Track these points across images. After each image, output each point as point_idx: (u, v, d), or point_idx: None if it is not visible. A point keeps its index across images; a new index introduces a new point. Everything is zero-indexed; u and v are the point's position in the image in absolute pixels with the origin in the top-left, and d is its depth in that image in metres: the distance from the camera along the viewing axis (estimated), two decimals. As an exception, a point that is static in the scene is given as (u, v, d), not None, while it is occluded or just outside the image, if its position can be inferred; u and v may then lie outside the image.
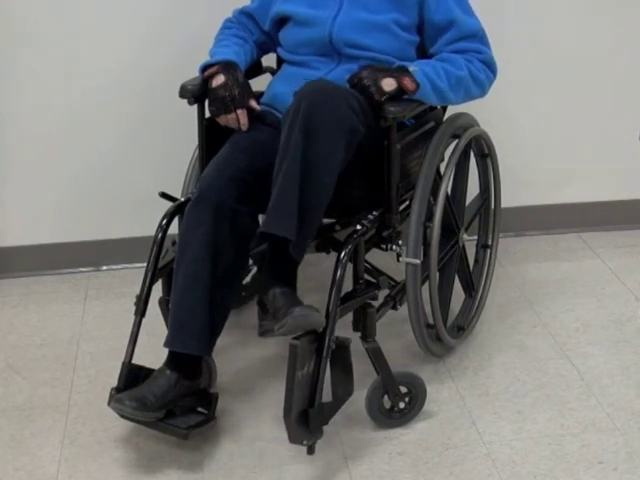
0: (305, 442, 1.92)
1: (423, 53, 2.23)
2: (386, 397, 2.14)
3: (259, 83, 2.39)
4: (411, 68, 2.07)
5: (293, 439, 1.92)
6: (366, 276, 2.12)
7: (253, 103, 2.21)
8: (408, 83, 2.05)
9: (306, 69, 2.23)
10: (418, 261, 2.15)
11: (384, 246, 2.19)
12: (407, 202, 2.25)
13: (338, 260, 1.99)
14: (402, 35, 2.19)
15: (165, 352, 2.06)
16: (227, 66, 2.19)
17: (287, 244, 1.93)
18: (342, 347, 1.98)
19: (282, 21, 2.29)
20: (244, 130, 2.19)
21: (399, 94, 2.06)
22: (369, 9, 2.18)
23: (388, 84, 2.05)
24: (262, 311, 2.01)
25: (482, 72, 2.19)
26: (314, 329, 1.94)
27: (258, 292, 2.04)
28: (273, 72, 2.46)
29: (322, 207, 1.99)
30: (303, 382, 1.90)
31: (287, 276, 2.00)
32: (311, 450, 1.94)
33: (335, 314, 1.96)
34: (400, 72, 2.07)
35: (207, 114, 2.24)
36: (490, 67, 2.21)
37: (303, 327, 1.91)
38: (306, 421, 1.91)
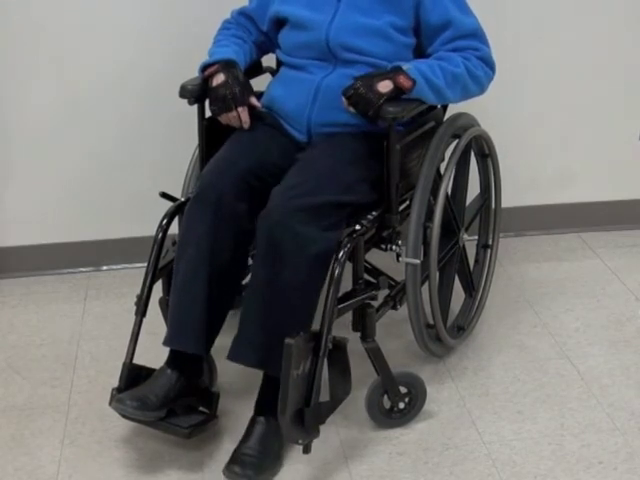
0: (300, 441, 1.92)
1: (420, 55, 2.23)
2: (386, 397, 2.14)
3: (259, 83, 2.39)
4: (405, 66, 2.07)
5: (288, 438, 1.93)
6: (366, 276, 2.12)
7: (254, 100, 2.21)
8: (403, 81, 2.05)
9: (303, 73, 2.23)
10: (418, 261, 2.15)
11: (384, 246, 2.19)
12: (407, 202, 2.25)
13: (336, 259, 1.99)
14: (398, 38, 2.19)
15: (166, 352, 2.07)
16: (227, 65, 2.19)
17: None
18: (339, 347, 1.98)
19: (280, 22, 2.29)
20: (246, 128, 2.19)
21: (397, 94, 2.06)
22: (365, 12, 2.18)
23: (384, 86, 2.04)
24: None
25: (480, 69, 2.18)
26: (312, 330, 1.95)
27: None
28: (273, 72, 2.46)
29: (297, 330, 1.94)
30: (299, 381, 1.90)
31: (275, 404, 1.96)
32: (307, 449, 1.94)
33: (332, 313, 1.96)
34: (394, 72, 2.06)
35: (207, 114, 2.24)
36: (488, 64, 2.20)
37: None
38: (302, 420, 1.91)
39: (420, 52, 2.23)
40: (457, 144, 2.31)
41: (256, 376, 2.34)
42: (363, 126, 2.13)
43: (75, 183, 2.88)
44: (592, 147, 3.07)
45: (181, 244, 2.07)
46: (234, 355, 2.00)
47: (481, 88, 2.22)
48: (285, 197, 2.00)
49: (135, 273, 2.74)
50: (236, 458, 1.96)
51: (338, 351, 1.98)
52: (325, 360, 1.95)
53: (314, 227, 1.97)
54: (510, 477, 2.01)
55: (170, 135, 2.80)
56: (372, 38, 2.17)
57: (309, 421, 1.92)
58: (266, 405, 2.00)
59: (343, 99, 2.06)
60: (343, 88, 2.07)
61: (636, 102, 3.04)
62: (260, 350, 1.97)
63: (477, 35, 2.20)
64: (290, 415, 1.89)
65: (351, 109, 2.06)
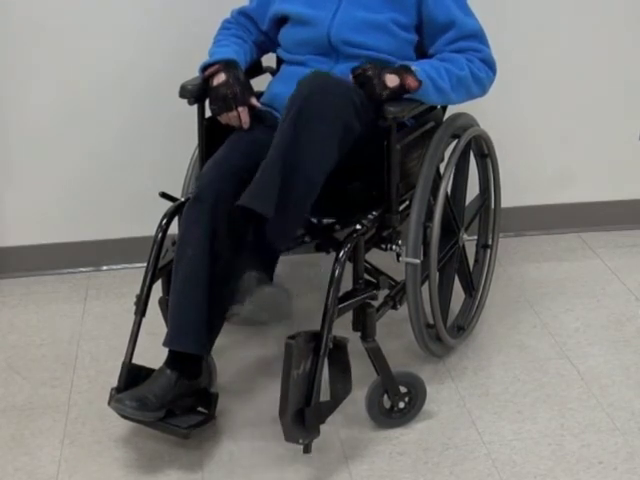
0: (301, 441, 1.92)
1: (421, 52, 2.23)
2: (386, 397, 2.14)
3: (259, 83, 2.39)
4: (413, 67, 2.08)
5: (289, 438, 1.92)
6: (366, 276, 2.12)
7: (254, 101, 2.21)
8: (411, 81, 2.05)
9: (305, 68, 2.22)
10: (418, 261, 2.15)
11: (384, 246, 2.19)
12: (407, 202, 2.25)
13: (337, 259, 1.99)
14: (401, 34, 2.19)
15: (165, 352, 2.07)
16: (227, 65, 2.19)
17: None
18: (340, 346, 1.98)
19: (281, 21, 2.29)
20: (245, 128, 2.19)
21: (401, 92, 2.06)
22: (368, 8, 2.18)
23: (391, 80, 2.05)
24: (231, 299, 1.96)
25: (482, 71, 2.19)
26: (312, 330, 1.95)
27: (234, 277, 1.98)
28: (273, 72, 2.46)
29: (306, 198, 1.97)
30: (299, 381, 1.90)
31: (266, 264, 1.97)
32: (307, 449, 1.94)
33: (333, 313, 1.96)
34: (403, 70, 2.07)
35: (207, 114, 2.24)
36: (490, 66, 2.22)
37: (269, 308, 1.91)
38: (302, 420, 1.91)
39: (421, 50, 2.24)
40: (457, 144, 2.31)
41: (256, 376, 2.35)
42: None
43: (75, 183, 2.88)
44: (592, 147, 3.07)
45: (180, 244, 2.07)
46: (248, 200, 1.91)
47: (483, 90, 2.23)
48: (320, 75, 2.02)
49: (135, 273, 2.73)
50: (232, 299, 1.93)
51: (338, 351, 1.98)
52: (325, 359, 1.95)
53: (348, 103, 1.98)
54: (510, 477, 2.01)
55: (170, 135, 2.80)
56: (374, 33, 2.18)
57: (310, 421, 1.92)
58: (261, 259, 1.97)
59: (350, 77, 2.06)
60: (352, 67, 2.07)
61: (636, 102, 3.04)
62: (272, 201, 1.90)
63: (479, 36, 2.21)
64: (291, 415, 1.89)
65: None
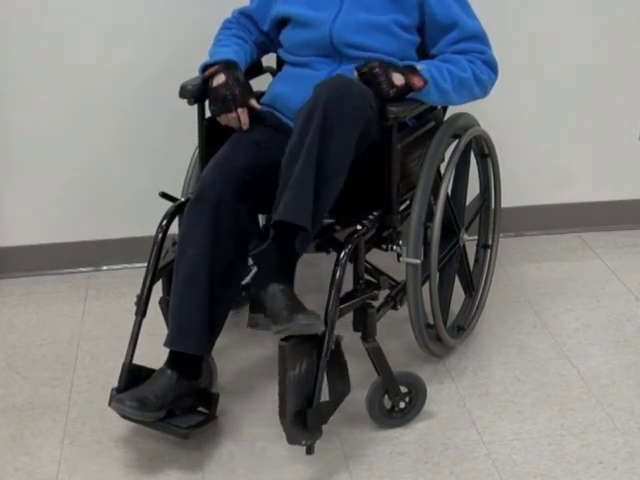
0: (304, 442, 1.92)
1: (423, 54, 2.23)
2: (386, 397, 2.14)
3: (259, 83, 2.39)
4: (419, 67, 2.08)
5: (291, 440, 1.92)
6: (366, 276, 2.12)
7: (253, 102, 2.21)
8: (416, 81, 2.05)
9: (307, 70, 2.23)
10: (418, 261, 2.15)
11: (384, 246, 2.19)
12: (407, 202, 2.25)
13: (338, 260, 1.99)
14: (403, 36, 2.19)
15: (165, 352, 2.07)
16: (227, 65, 2.19)
17: (292, 238, 1.93)
18: (335, 346, 1.98)
19: (282, 22, 2.29)
20: (245, 129, 2.19)
21: (406, 91, 2.06)
22: (369, 10, 2.18)
23: (398, 78, 2.05)
24: (253, 307, 1.98)
25: (484, 73, 2.19)
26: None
27: (255, 287, 2.00)
28: (273, 72, 2.46)
29: (330, 203, 1.99)
30: (296, 382, 1.90)
31: (288, 272, 1.99)
32: (310, 450, 1.94)
33: (335, 314, 1.96)
34: (408, 70, 2.07)
35: (207, 114, 2.24)
36: (492, 67, 2.22)
37: (304, 333, 1.91)
38: (303, 421, 1.91)
39: (423, 52, 2.24)
40: (457, 144, 2.31)
41: (256, 376, 2.35)
42: None
43: (75, 183, 2.88)
44: (592, 147, 3.07)
45: (181, 245, 2.07)
46: (289, 215, 1.90)
47: (484, 91, 2.23)
48: (339, 79, 2.03)
49: (135, 273, 2.74)
50: (277, 314, 1.92)
51: (334, 350, 1.98)
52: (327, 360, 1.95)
53: (369, 109, 1.99)
54: (510, 477, 2.01)
55: (170, 135, 2.80)
56: (376, 34, 2.18)
57: (312, 422, 1.92)
58: (283, 268, 1.98)
59: (355, 73, 2.06)
60: (357, 64, 2.07)
61: (636, 102, 3.04)
62: (310, 213, 1.91)
63: (481, 37, 2.21)
64: (290, 417, 1.89)
65: None
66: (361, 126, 1.98)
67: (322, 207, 1.96)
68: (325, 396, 1.97)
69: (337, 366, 1.99)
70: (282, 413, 1.88)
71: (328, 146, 1.93)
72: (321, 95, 1.97)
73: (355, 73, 2.06)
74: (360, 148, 2.01)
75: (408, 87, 2.06)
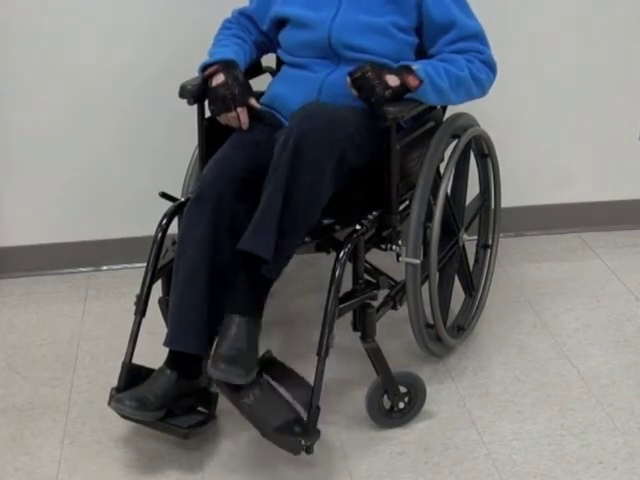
0: (303, 442, 1.91)
1: (422, 55, 2.23)
2: (386, 397, 2.14)
3: (259, 83, 2.39)
4: (414, 66, 2.08)
5: (291, 450, 1.91)
6: (366, 276, 2.12)
7: (253, 101, 2.21)
8: (411, 80, 2.05)
9: (305, 71, 2.23)
10: (418, 261, 2.15)
11: (384, 246, 2.19)
12: (407, 202, 2.25)
13: (337, 260, 1.99)
14: (400, 37, 2.19)
15: (165, 352, 2.07)
16: (227, 65, 2.19)
17: (260, 266, 1.94)
18: (270, 361, 2.01)
19: (281, 23, 2.29)
20: (245, 129, 2.19)
21: (402, 91, 2.06)
22: (367, 11, 2.18)
23: (392, 80, 2.05)
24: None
25: (482, 72, 2.19)
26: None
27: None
28: (273, 72, 2.46)
29: (300, 233, 2.00)
30: (256, 405, 1.92)
31: (254, 302, 1.99)
32: (310, 450, 1.93)
33: (334, 314, 1.96)
34: (403, 70, 2.07)
35: (207, 114, 2.24)
36: (490, 67, 2.22)
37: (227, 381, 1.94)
38: (290, 429, 1.91)
39: (422, 52, 2.23)
40: (457, 144, 2.31)
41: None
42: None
43: (75, 183, 2.88)
44: (592, 147, 3.07)
45: (180, 244, 2.07)
46: (249, 244, 1.93)
47: (483, 91, 2.23)
48: (313, 107, 2.03)
49: (135, 273, 2.73)
50: (220, 356, 1.91)
51: (273, 365, 2.01)
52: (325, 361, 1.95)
53: (345, 140, 1.99)
54: (510, 477, 2.01)
55: (170, 135, 2.81)
56: (374, 36, 2.18)
57: (312, 422, 1.91)
58: (246, 303, 1.97)
59: (348, 79, 2.06)
60: (350, 70, 2.07)
61: (636, 102, 3.04)
62: (272, 244, 1.92)
63: (479, 37, 2.21)
64: (273, 434, 1.90)
65: (353, 91, 2.06)
66: (334, 159, 1.97)
67: (289, 240, 1.96)
68: (324, 397, 1.97)
69: (286, 376, 2.00)
70: (264, 435, 1.92)
71: (296, 180, 1.94)
72: (294, 127, 1.97)
73: (348, 79, 2.06)
74: (337, 180, 2.00)
75: (404, 87, 2.06)
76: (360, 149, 2.04)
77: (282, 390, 1.99)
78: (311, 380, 1.94)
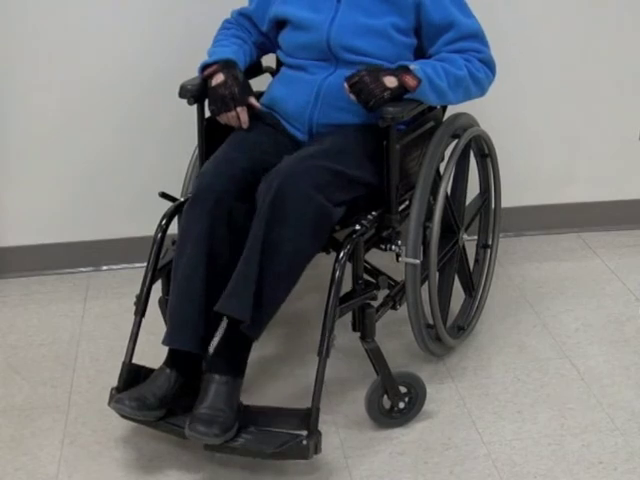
0: (304, 443, 1.90)
1: (421, 55, 2.23)
2: (386, 397, 2.14)
3: (259, 83, 2.39)
4: (412, 66, 2.08)
5: (300, 456, 1.91)
6: (365, 276, 2.12)
7: (253, 101, 2.21)
8: (409, 80, 2.05)
9: (304, 73, 2.23)
10: (418, 261, 2.15)
11: (384, 246, 2.19)
12: (407, 202, 2.25)
13: (337, 260, 1.99)
14: (399, 39, 2.19)
15: (165, 352, 2.07)
16: (226, 65, 2.19)
17: (239, 327, 1.94)
18: (249, 411, 2.00)
19: (280, 24, 2.29)
20: (244, 128, 2.19)
21: (401, 92, 2.06)
22: (366, 13, 2.18)
23: (390, 81, 2.05)
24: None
25: (481, 72, 2.19)
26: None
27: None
28: (273, 72, 2.46)
29: (282, 293, 1.98)
30: (249, 445, 1.92)
31: (235, 362, 1.99)
32: (318, 449, 1.92)
33: (334, 314, 1.96)
34: (401, 70, 2.07)
35: (207, 114, 2.24)
36: (489, 66, 2.22)
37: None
38: (287, 446, 1.90)
39: (421, 53, 2.23)
40: (457, 144, 2.31)
41: (255, 376, 2.34)
42: (365, 124, 2.13)
43: (75, 183, 2.88)
44: (592, 147, 3.07)
45: (180, 244, 2.07)
46: (226, 307, 1.94)
47: (482, 90, 2.23)
48: (301, 155, 2.03)
49: (135, 273, 2.74)
50: (198, 417, 1.91)
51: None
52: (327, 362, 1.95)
53: (323, 194, 1.98)
54: (510, 477, 2.01)
55: (170, 135, 2.81)
56: (373, 38, 2.18)
57: (314, 423, 1.91)
58: (227, 363, 1.98)
59: (345, 85, 2.06)
60: (347, 75, 2.07)
61: (636, 102, 3.04)
62: (249, 305, 1.93)
63: (478, 36, 2.21)
64: (273, 456, 1.91)
65: (352, 96, 2.06)
66: (312, 217, 1.97)
67: (269, 297, 1.95)
68: (324, 397, 1.97)
69: (257, 437, 1.97)
70: (268, 457, 1.92)
71: (272, 238, 1.94)
72: (270, 187, 1.97)
73: (346, 85, 2.06)
74: (320, 235, 2.00)
75: (403, 88, 2.06)
76: (354, 184, 2.06)
77: (274, 429, 1.97)
78: (311, 380, 1.94)
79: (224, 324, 2.00)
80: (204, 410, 1.92)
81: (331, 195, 2.00)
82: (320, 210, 1.98)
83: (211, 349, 2.01)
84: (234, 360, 1.99)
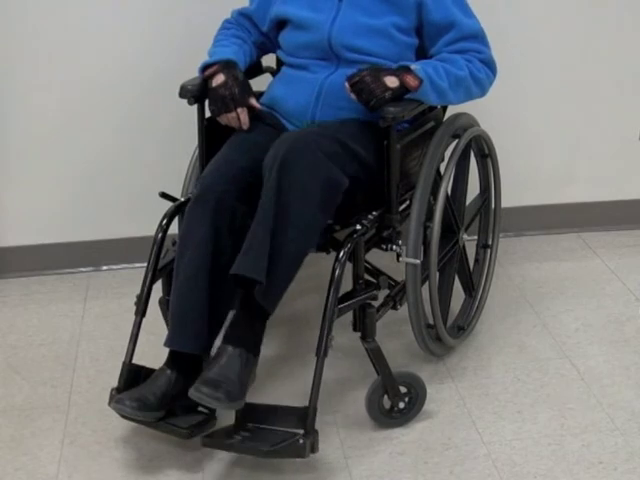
0: (301, 441, 1.90)
1: (422, 55, 2.23)
2: (386, 397, 2.14)
3: (259, 83, 2.39)
4: (413, 66, 2.08)
5: (299, 454, 1.91)
6: (366, 276, 2.12)
7: (253, 101, 2.21)
8: (410, 80, 2.05)
9: (305, 72, 2.23)
10: (418, 261, 2.15)
11: (384, 246, 2.19)
12: (407, 202, 2.25)
13: (337, 260, 2.00)
14: (401, 38, 2.19)
15: (165, 352, 2.06)
16: (227, 65, 2.19)
17: (254, 298, 1.94)
18: (249, 408, 1.97)
19: (281, 24, 2.29)
20: (245, 129, 2.19)
21: (402, 92, 2.06)
22: (367, 12, 2.18)
23: (391, 81, 2.05)
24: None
25: (482, 72, 2.19)
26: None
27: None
28: (273, 72, 2.46)
29: (295, 260, 1.98)
30: (247, 440, 1.92)
31: (249, 335, 1.98)
32: (315, 448, 1.92)
33: (332, 314, 1.96)
34: (402, 70, 2.07)
35: (207, 114, 2.24)
36: (490, 67, 2.22)
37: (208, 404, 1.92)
38: (283, 444, 1.90)
39: (423, 53, 2.23)
40: (457, 144, 2.31)
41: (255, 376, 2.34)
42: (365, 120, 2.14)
43: (75, 183, 2.88)
44: (592, 147, 3.07)
45: (181, 245, 2.07)
46: (241, 268, 1.93)
47: (482, 90, 2.23)
48: (304, 131, 2.04)
49: (135, 273, 2.74)
50: (206, 379, 1.90)
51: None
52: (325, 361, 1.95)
53: (331, 161, 1.98)
54: (510, 477, 2.01)
55: (170, 135, 2.81)
56: (374, 38, 2.18)
57: (311, 421, 1.91)
58: (240, 335, 1.97)
59: (346, 85, 2.06)
60: (348, 74, 2.07)
61: (636, 102, 3.04)
62: (264, 265, 1.92)
63: (479, 37, 2.21)
64: (270, 454, 1.90)
65: (353, 96, 2.06)
66: (322, 184, 1.97)
67: (283, 263, 1.95)
68: (324, 397, 1.97)
69: (255, 434, 1.96)
70: (264, 455, 1.91)
71: (284, 204, 1.94)
72: (277, 156, 1.97)
73: (347, 84, 2.06)
74: (330, 203, 2.00)
75: (403, 87, 2.06)
76: (357, 161, 2.06)
77: (272, 427, 1.97)
78: (311, 380, 1.94)
79: (239, 297, 1.98)
80: (212, 375, 1.90)
81: (338, 164, 2.00)
82: (329, 175, 1.98)
83: (227, 322, 2.00)
84: (248, 334, 1.97)
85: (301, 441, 1.90)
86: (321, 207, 1.99)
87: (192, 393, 1.88)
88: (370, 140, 2.11)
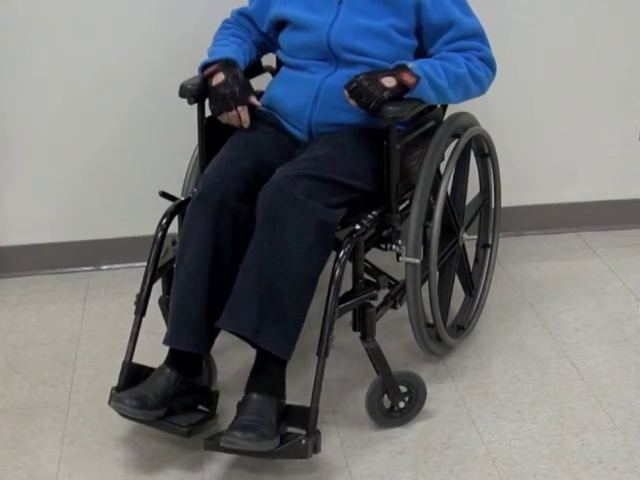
0: (303, 442, 1.90)
1: (421, 57, 2.22)
2: (386, 397, 2.14)
3: (259, 83, 2.39)
4: (410, 64, 2.08)
5: (300, 455, 1.91)
6: (366, 275, 2.12)
7: (254, 100, 2.21)
8: (407, 77, 2.05)
9: (305, 73, 2.23)
10: (418, 260, 2.15)
11: (384, 245, 2.19)
12: (407, 201, 2.25)
13: (337, 259, 1.99)
14: (400, 40, 2.19)
15: (165, 351, 2.07)
16: (227, 64, 2.19)
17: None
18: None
19: (281, 24, 2.29)
20: (246, 127, 2.19)
21: (400, 90, 2.06)
22: (367, 14, 2.18)
23: (388, 81, 2.05)
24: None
25: (481, 70, 2.19)
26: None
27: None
28: (273, 72, 2.46)
29: (299, 307, 1.96)
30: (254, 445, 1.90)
31: (270, 382, 1.97)
32: (317, 449, 1.92)
33: (333, 314, 1.96)
34: (398, 69, 2.07)
35: (207, 113, 2.24)
36: (489, 65, 2.22)
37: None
38: (288, 439, 1.90)
39: (421, 53, 2.23)
40: (457, 143, 2.31)
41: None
42: (363, 125, 2.13)
43: (75, 183, 2.88)
44: (592, 147, 3.07)
45: (182, 244, 2.07)
46: (226, 323, 1.95)
47: (482, 89, 2.23)
48: (290, 169, 2.02)
49: (135, 273, 2.74)
50: (234, 426, 1.89)
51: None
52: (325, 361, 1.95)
53: (317, 200, 1.97)
54: (510, 477, 2.01)
55: (170, 135, 2.81)
56: (373, 39, 2.18)
57: (313, 421, 1.91)
58: (259, 382, 1.96)
59: (345, 92, 2.06)
60: (345, 81, 2.07)
61: (636, 102, 3.04)
62: (254, 319, 1.92)
63: (478, 35, 2.21)
64: (274, 455, 1.90)
65: (352, 102, 2.06)
66: (313, 225, 1.96)
67: (289, 316, 1.94)
68: (324, 397, 1.97)
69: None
70: (266, 456, 1.90)
71: (275, 248, 1.94)
72: (265, 202, 1.98)
73: (345, 92, 2.06)
74: (326, 244, 1.99)
75: (402, 86, 2.06)
76: (346, 187, 2.05)
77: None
78: (312, 380, 1.94)
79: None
80: (239, 422, 1.89)
81: (325, 199, 2.00)
82: (316, 213, 1.97)
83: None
84: (269, 381, 1.96)
85: (303, 442, 1.90)
86: (315, 245, 1.97)
87: (224, 441, 1.85)
88: (369, 148, 2.11)
